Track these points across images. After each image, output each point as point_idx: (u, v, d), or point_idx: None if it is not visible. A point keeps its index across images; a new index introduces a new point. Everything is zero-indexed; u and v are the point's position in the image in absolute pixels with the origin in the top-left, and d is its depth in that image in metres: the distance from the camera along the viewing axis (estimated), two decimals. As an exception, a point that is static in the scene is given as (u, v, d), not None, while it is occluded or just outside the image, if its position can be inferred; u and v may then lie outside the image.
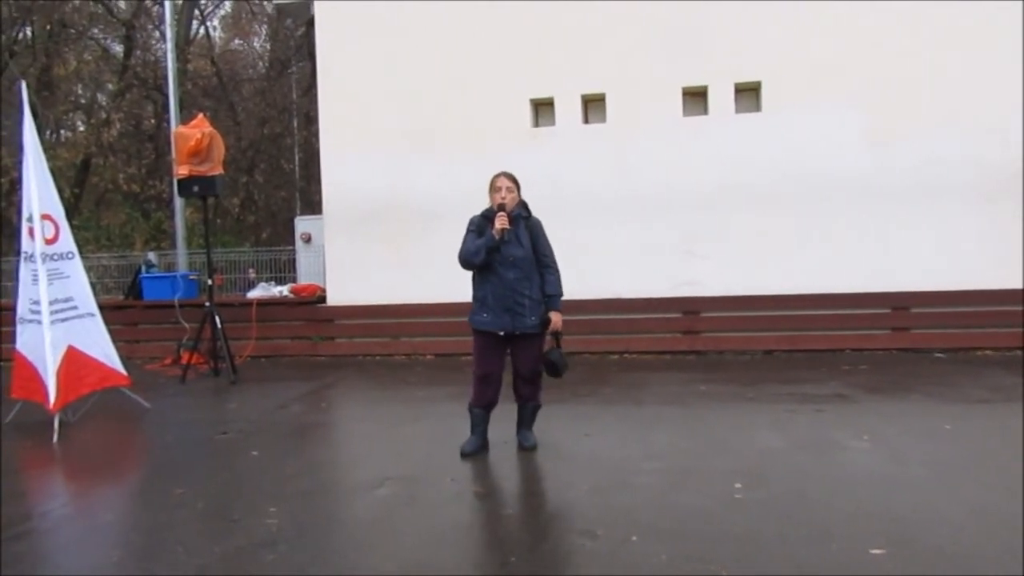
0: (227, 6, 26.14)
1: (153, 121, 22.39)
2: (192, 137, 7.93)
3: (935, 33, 8.26)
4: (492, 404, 4.90)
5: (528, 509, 4.05)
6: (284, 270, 14.81)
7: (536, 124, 9.29)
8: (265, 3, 23.52)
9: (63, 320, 6.21)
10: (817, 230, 8.50)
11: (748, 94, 8.80)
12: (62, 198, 6.90)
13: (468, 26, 9.22)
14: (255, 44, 28.14)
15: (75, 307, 6.36)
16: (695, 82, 8.80)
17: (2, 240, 16.98)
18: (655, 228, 8.80)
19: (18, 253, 6.72)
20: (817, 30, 8.47)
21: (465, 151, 9.07)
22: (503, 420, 5.01)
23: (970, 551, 3.16)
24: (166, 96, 14.22)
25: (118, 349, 6.73)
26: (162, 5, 14.90)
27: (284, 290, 10.44)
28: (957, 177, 8.22)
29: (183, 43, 19.93)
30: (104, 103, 21.35)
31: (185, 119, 11.42)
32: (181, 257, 13.07)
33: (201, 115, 8.52)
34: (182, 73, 17.80)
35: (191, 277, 10.72)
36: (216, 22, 26.94)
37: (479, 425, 4.91)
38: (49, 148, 14.48)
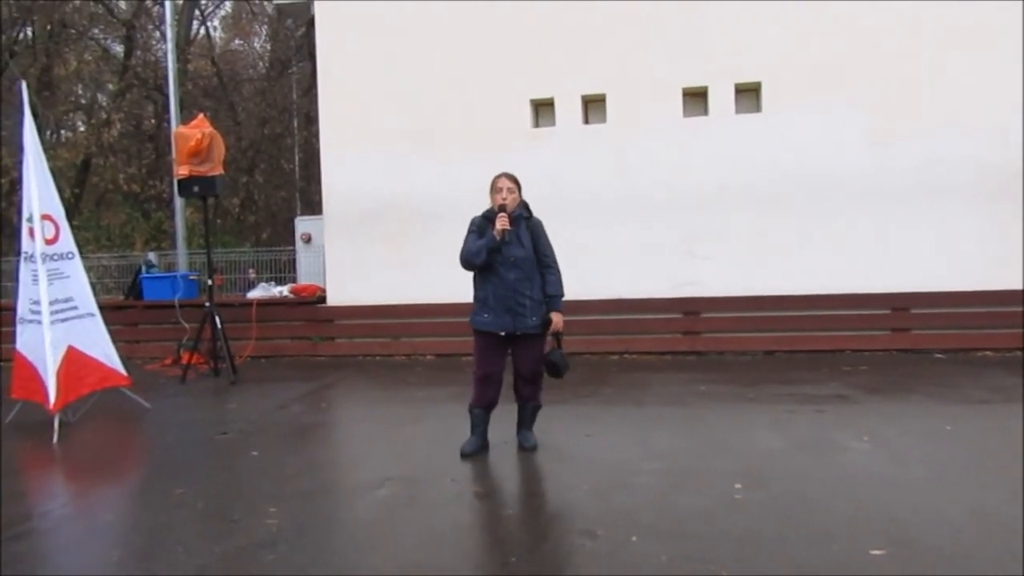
0: (227, 6, 26.17)
1: (153, 121, 22.40)
2: (192, 137, 7.93)
3: (935, 33, 8.26)
4: (492, 404, 4.90)
5: (528, 509, 4.05)
6: (284, 270, 14.80)
7: (536, 124, 9.29)
8: (265, 3, 23.53)
9: (63, 320, 6.21)
10: (817, 230, 8.50)
11: (748, 94, 8.80)
12: (62, 198, 6.90)
13: (468, 26, 9.22)
14: (255, 44, 28.15)
15: (75, 307, 6.36)
16: (695, 82, 8.80)
17: (2, 240, 16.98)
18: (655, 228, 8.80)
19: (18, 253, 6.72)
20: (817, 30, 8.47)
21: (465, 151, 9.07)
22: (503, 420, 5.01)
23: (970, 552, 3.16)
24: (166, 96, 14.23)
25: (118, 349, 6.73)
26: (162, 5, 14.89)
27: (284, 290, 10.44)
28: (957, 177, 8.22)
29: (183, 43, 19.94)
30: (104, 103, 21.35)
31: (185, 119, 11.42)
32: (181, 257, 13.07)
33: (201, 115, 8.52)
34: (182, 73, 17.80)
35: (191, 277, 10.72)
36: (216, 22, 26.97)
37: (479, 425, 4.91)
38: (49, 148, 14.49)
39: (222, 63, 24.09)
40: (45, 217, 6.29)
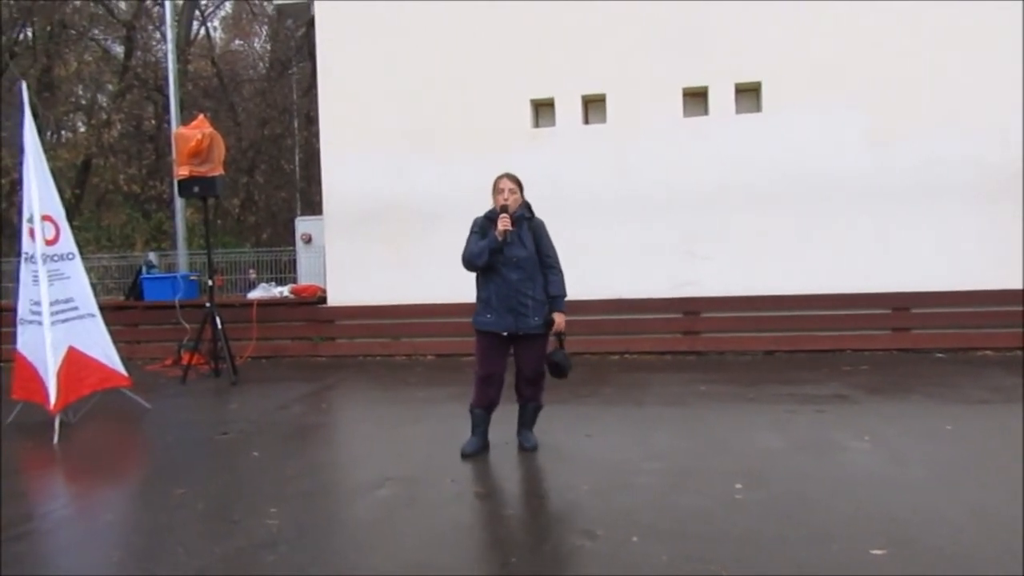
0: (227, 7, 26.18)
1: (153, 122, 22.41)
2: (192, 138, 7.93)
3: (935, 33, 8.26)
4: (493, 405, 4.90)
5: (529, 510, 4.05)
6: (284, 271, 14.81)
7: (536, 125, 9.29)
8: (265, 4, 23.54)
9: (64, 321, 6.21)
10: (817, 230, 8.50)
11: (748, 94, 8.80)
12: (63, 199, 6.90)
13: (468, 26, 9.22)
14: (255, 45, 28.17)
15: (76, 308, 6.36)
16: (695, 82, 8.80)
17: (3, 241, 16.98)
18: (655, 228, 8.80)
19: (19, 254, 6.72)
20: (817, 30, 8.47)
21: (465, 151, 9.07)
22: (504, 421, 5.01)
23: (970, 552, 3.16)
24: (167, 97, 14.22)
25: (119, 350, 6.73)
26: (163, 6, 14.89)
27: (284, 291, 10.45)
28: (957, 177, 8.22)
29: (183, 44, 19.95)
30: (105, 104, 21.36)
31: (185, 120, 11.43)
32: (182, 258, 13.07)
33: (201, 116, 8.52)
34: (182, 74, 17.81)
35: (192, 278, 10.73)
36: (216, 23, 26.99)
37: (480, 426, 4.91)
38: (50, 149, 14.48)
39: (222, 64, 24.10)
40: (45, 218, 6.29)
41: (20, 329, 6.32)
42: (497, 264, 4.67)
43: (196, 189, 8.12)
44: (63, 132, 22.23)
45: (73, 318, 6.31)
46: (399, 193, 9.38)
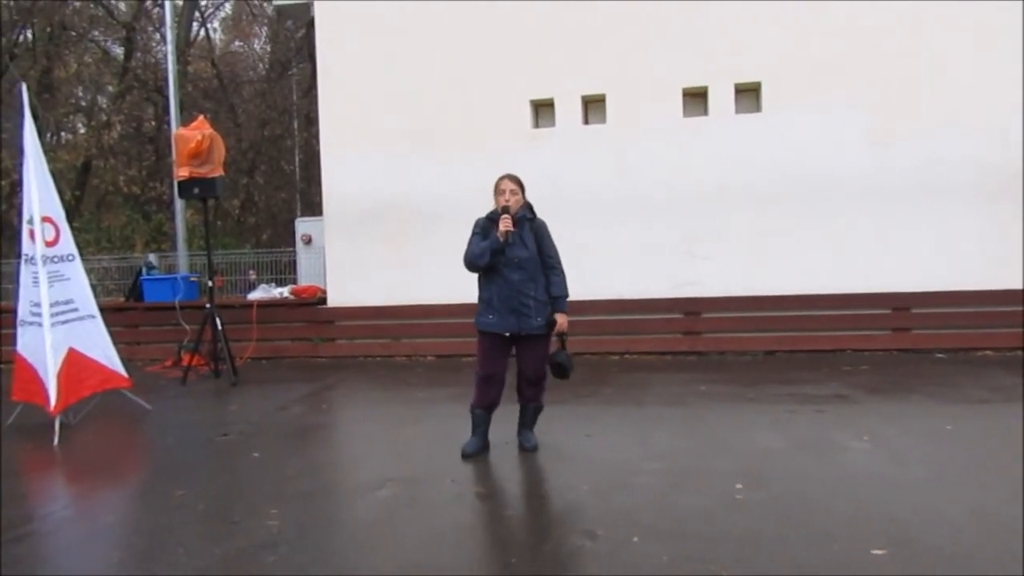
0: (227, 8, 26.19)
1: (153, 123, 22.42)
2: (192, 139, 7.93)
3: (935, 33, 8.26)
4: (494, 405, 4.90)
5: (529, 510, 4.05)
6: (284, 271, 14.84)
7: (536, 125, 9.29)
8: (265, 5, 23.55)
9: (64, 322, 6.21)
10: (817, 230, 8.50)
11: (748, 94, 8.80)
12: (63, 200, 6.90)
13: (468, 26, 9.23)
14: (255, 46, 28.18)
15: (76, 309, 6.36)
16: (695, 82, 8.80)
17: (3, 242, 16.99)
18: (655, 228, 8.80)
19: (19, 255, 6.72)
20: (817, 30, 8.47)
21: (465, 151, 9.08)
22: (504, 421, 5.01)
23: (971, 552, 3.16)
24: (166, 98, 14.23)
25: (119, 351, 6.73)
26: (162, 7, 14.91)
27: (284, 291, 10.45)
28: (957, 177, 8.22)
29: (183, 45, 19.96)
30: (104, 105, 21.38)
31: (185, 121, 11.43)
32: (182, 259, 13.08)
33: (201, 117, 8.52)
34: (182, 75, 17.82)
35: (192, 279, 10.73)
36: (216, 24, 27.01)
37: (480, 426, 4.92)
38: (50, 150, 14.50)
39: (222, 65, 24.11)
40: (45, 219, 6.29)
41: (20, 331, 6.32)
42: (499, 265, 4.67)
43: (196, 190, 8.12)
44: (63, 133, 22.26)
45: (73, 319, 6.31)
46: (399, 193, 9.38)
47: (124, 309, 10.33)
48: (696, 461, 4.60)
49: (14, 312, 6.72)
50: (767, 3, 8.52)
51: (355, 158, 9.49)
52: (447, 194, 9.01)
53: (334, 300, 9.72)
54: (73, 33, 19.44)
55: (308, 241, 13.90)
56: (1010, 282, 8.05)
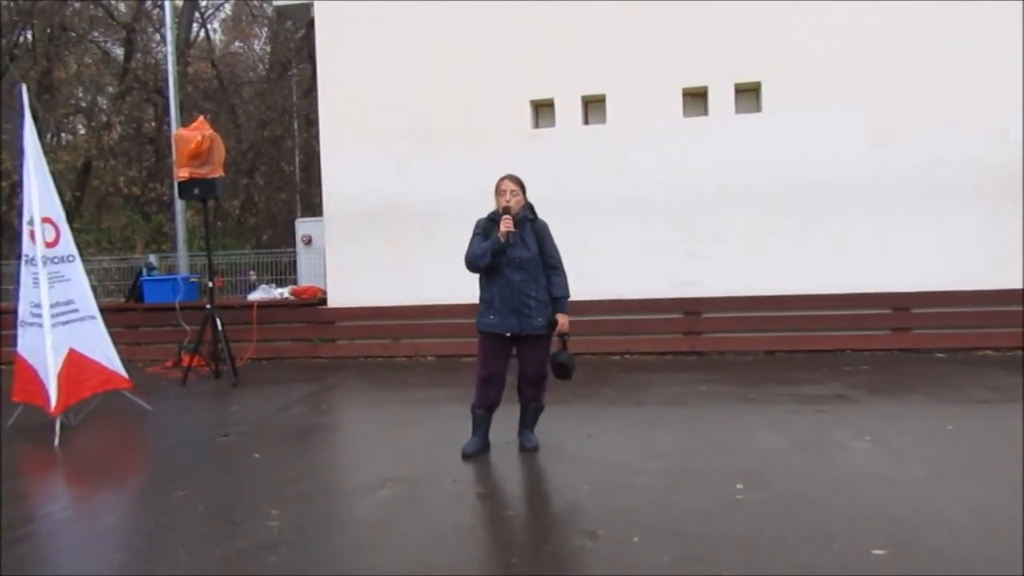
0: (227, 9, 26.19)
1: (153, 124, 22.42)
2: (192, 140, 7.93)
3: (935, 33, 8.26)
4: (495, 405, 4.90)
5: (530, 510, 4.05)
6: (285, 272, 14.84)
7: (536, 125, 9.29)
8: (265, 5, 23.55)
9: (64, 323, 6.21)
10: (817, 230, 8.51)
11: (748, 94, 8.80)
12: (63, 201, 6.90)
13: (468, 26, 9.23)
14: (255, 47, 28.18)
15: (76, 310, 6.36)
16: (695, 82, 8.80)
17: (3, 243, 16.99)
18: (655, 229, 8.80)
19: (19, 256, 6.72)
20: (817, 30, 8.48)
21: (465, 151, 9.08)
22: (504, 421, 5.01)
23: (971, 551, 3.16)
24: (166, 99, 14.23)
25: (119, 352, 6.73)
26: (162, 8, 14.91)
27: (285, 292, 10.46)
28: (957, 177, 8.22)
29: (183, 46, 19.96)
30: (105, 106, 21.38)
31: (185, 122, 11.43)
32: (182, 260, 13.08)
33: (201, 118, 8.52)
34: (182, 76, 17.82)
35: (192, 279, 10.74)
36: (216, 25, 27.01)
37: (481, 426, 4.92)
38: (50, 151, 14.50)
39: (222, 65, 24.12)
40: (46, 220, 6.29)
41: (20, 331, 6.32)
42: (500, 265, 4.68)
43: (196, 191, 8.12)
44: (63, 134, 22.26)
45: (73, 320, 6.31)
46: (399, 193, 9.39)
47: (124, 310, 10.33)
48: (697, 461, 4.60)
49: (14, 313, 6.72)
50: (767, 3, 8.52)
51: (355, 158, 9.50)
52: (447, 194, 9.01)
53: (334, 300, 9.72)
54: (73, 34, 19.45)
55: (308, 242, 13.91)
56: (1010, 282, 8.05)
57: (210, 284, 8.52)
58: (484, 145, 8.97)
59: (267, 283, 12.12)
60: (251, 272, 15.19)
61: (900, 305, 8.34)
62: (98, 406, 6.50)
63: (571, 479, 4.33)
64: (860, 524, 3.47)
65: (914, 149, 8.30)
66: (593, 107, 9.19)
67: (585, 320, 8.27)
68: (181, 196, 8.75)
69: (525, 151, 8.83)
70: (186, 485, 4.50)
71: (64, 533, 3.89)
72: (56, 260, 6.32)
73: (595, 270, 8.49)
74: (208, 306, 8.23)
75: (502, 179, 4.81)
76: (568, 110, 9.11)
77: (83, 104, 22.18)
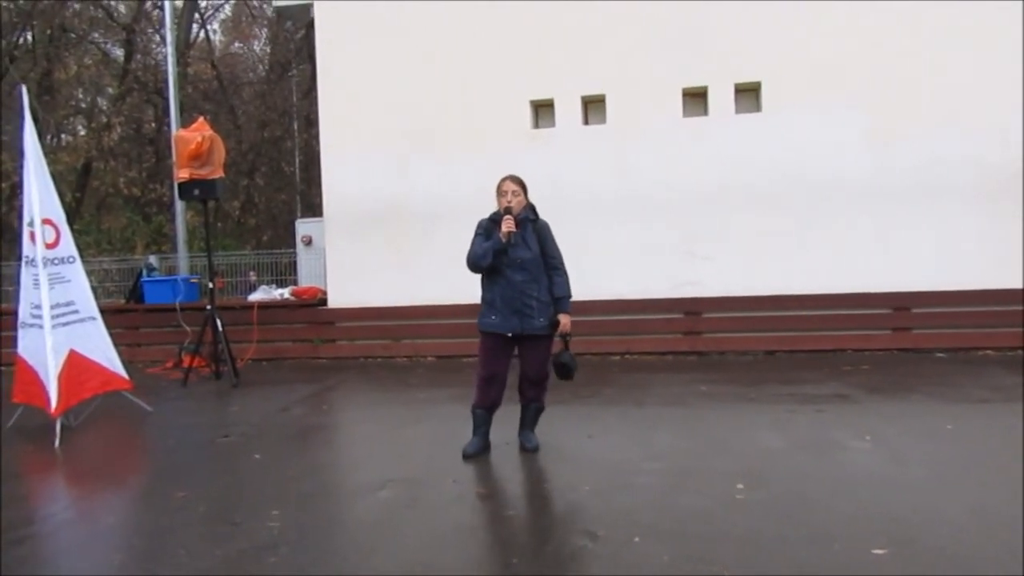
0: (227, 9, 26.19)
1: (154, 125, 22.40)
2: (192, 140, 7.94)
3: (935, 33, 8.27)
4: (495, 405, 4.90)
5: (530, 510, 4.05)
6: (285, 273, 14.83)
7: (536, 125, 9.30)
8: (265, 6, 23.55)
9: (64, 324, 6.21)
10: (817, 230, 8.51)
11: (748, 94, 8.81)
12: (63, 202, 6.90)
13: (468, 26, 9.23)
14: (255, 47, 28.16)
15: (76, 311, 6.36)
16: (695, 82, 8.80)
17: (3, 244, 16.99)
18: (655, 229, 8.80)
19: (19, 258, 6.72)
20: (817, 30, 8.48)
21: (465, 152, 9.09)
22: (505, 422, 5.02)
23: (971, 551, 3.16)
24: (166, 100, 14.23)
25: (120, 353, 6.74)
26: (162, 9, 14.90)
27: (285, 293, 10.46)
28: (957, 177, 8.22)
29: (183, 47, 19.94)
30: (105, 107, 21.36)
31: (185, 122, 11.43)
32: (182, 260, 13.08)
33: (201, 118, 8.53)
34: (182, 77, 17.81)
35: (192, 280, 10.75)
36: (216, 26, 26.99)
37: (481, 427, 4.92)
38: (50, 152, 14.50)
39: (222, 66, 24.10)
40: (46, 221, 6.29)
41: (21, 333, 6.32)
42: (501, 266, 4.69)
43: (196, 192, 8.13)
44: (63, 136, 22.25)
45: (74, 321, 6.31)
46: (399, 194, 9.39)
47: (125, 311, 10.34)
48: (697, 461, 4.61)
49: (15, 314, 6.72)
50: (767, 3, 8.53)
51: (355, 159, 9.50)
52: (447, 194, 9.02)
53: (334, 301, 9.72)
54: (73, 35, 19.44)
55: (308, 242, 13.90)
56: (1010, 282, 8.04)
57: (210, 285, 8.52)
58: (484, 145, 8.98)
59: (267, 284, 12.12)
60: (251, 273, 15.18)
61: (900, 305, 8.34)
62: (99, 407, 6.50)
63: (571, 479, 4.34)
64: (860, 524, 3.47)
65: (914, 149, 8.30)
66: (593, 107, 9.20)
67: (585, 320, 8.25)
68: (181, 197, 8.76)
69: (525, 151, 8.84)
70: (187, 486, 4.50)
71: (65, 534, 3.89)
72: (56, 261, 6.32)
73: (595, 270, 8.48)
74: (208, 307, 8.23)
75: (503, 180, 4.82)
76: (568, 110, 9.11)
77: (83, 105, 22.16)
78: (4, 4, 17.06)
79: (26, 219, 6.32)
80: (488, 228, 4.81)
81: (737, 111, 8.75)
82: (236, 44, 28.09)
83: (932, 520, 3.50)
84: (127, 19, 20.64)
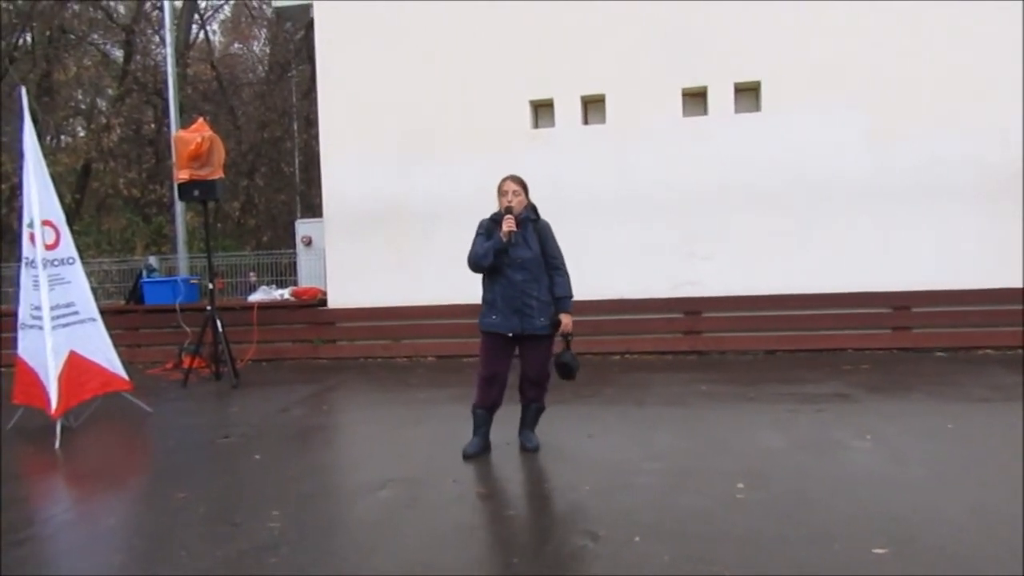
0: (226, 10, 26.19)
1: (153, 126, 22.39)
2: (192, 141, 7.94)
3: (935, 33, 8.27)
4: (496, 405, 4.90)
5: (531, 510, 4.05)
6: (285, 273, 14.82)
7: (536, 125, 9.30)
8: (264, 7, 23.54)
9: (64, 325, 6.21)
10: (818, 230, 8.51)
11: (748, 94, 8.81)
12: (63, 203, 6.90)
13: (468, 27, 9.23)
14: (255, 48, 28.16)
15: (76, 312, 6.36)
16: (695, 82, 8.80)
17: (3, 246, 16.99)
18: (655, 228, 8.80)
19: (19, 259, 6.72)
20: (817, 30, 8.48)
21: (465, 152, 9.09)
22: (505, 422, 5.01)
23: (971, 551, 3.16)
24: (166, 100, 14.23)
25: (120, 354, 6.74)
26: (161, 10, 14.91)
27: (285, 293, 10.46)
28: (957, 177, 8.22)
29: (183, 47, 19.93)
30: (104, 108, 21.35)
31: (185, 123, 11.42)
32: (182, 261, 13.08)
33: (201, 119, 8.53)
34: (182, 77, 17.80)
35: (192, 281, 10.75)
36: (215, 26, 26.97)
37: (482, 427, 4.92)
38: (49, 153, 14.48)
39: (221, 67, 24.09)
40: (46, 223, 6.29)
41: (21, 334, 6.32)
42: (502, 265, 4.69)
43: (196, 192, 8.13)
44: (63, 137, 22.24)
45: (74, 322, 6.31)
46: (399, 194, 9.39)
47: (125, 312, 10.34)
48: (697, 461, 4.61)
49: (15, 315, 6.72)
50: (767, 3, 8.53)
51: (355, 159, 9.50)
52: (447, 194, 9.02)
53: (334, 301, 9.72)
54: (72, 36, 19.43)
55: (308, 243, 13.89)
56: (1010, 281, 8.05)
57: (210, 286, 8.52)
58: (484, 145, 8.98)
59: (267, 284, 12.12)
60: (251, 273, 15.18)
61: (900, 304, 8.34)
62: (99, 408, 6.50)
63: (572, 479, 4.34)
64: (860, 523, 3.47)
65: (914, 149, 8.30)
66: (593, 107, 9.20)
67: (585, 320, 8.25)
68: (181, 198, 8.76)
69: (525, 151, 8.84)
70: (187, 487, 4.50)
71: (65, 535, 3.89)
72: (56, 262, 6.32)
73: (595, 270, 8.46)
74: (208, 308, 8.23)
75: (504, 180, 4.82)
76: (568, 110, 9.11)
77: (83, 106, 22.15)
78: (3, 5, 17.06)
79: (26, 220, 6.31)
80: (489, 228, 4.81)
81: (737, 111, 8.75)
82: (236, 45, 28.10)
83: (932, 519, 3.49)
84: (126, 20, 20.63)
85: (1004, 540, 3.23)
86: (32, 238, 6.19)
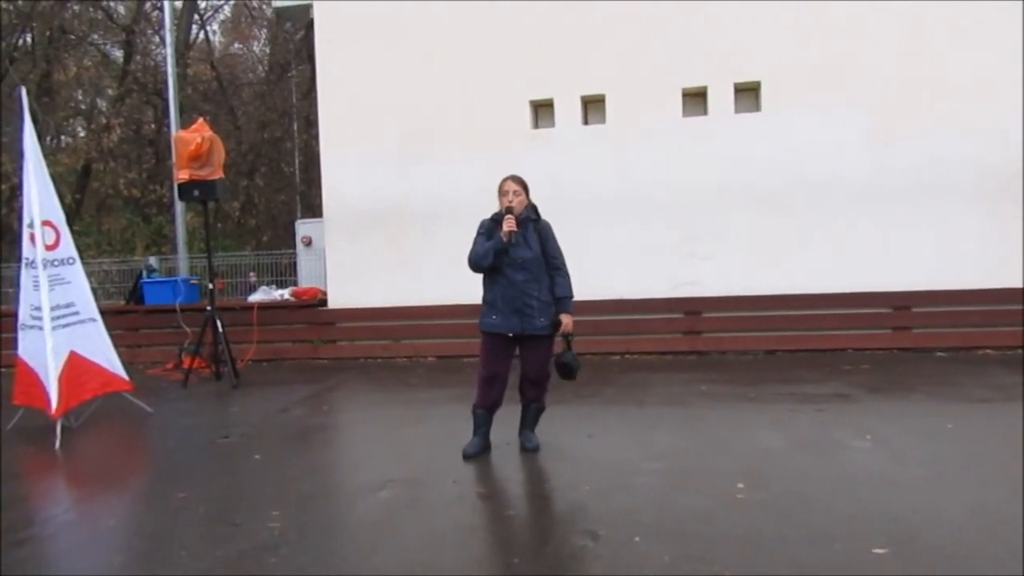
0: (226, 10, 26.19)
1: (153, 126, 22.39)
2: (192, 141, 7.94)
3: (935, 33, 8.27)
4: (496, 405, 4.90)
5: (531, 510, 4.05)
6: (285, 273, 14.82)
7: (536, 125, 9.30)
8: (264, 7, 23.55)
9: (64, 326, 6.21)
10: (818, 230, 8.51)
11: (748, 94, 8.81)
12: (63, 204, 6.91)
13: (468, 27, 9.24)
14: (255, 48, 28.16)
15: (76, 312, 6.36)
16: (695, 82, 8.80)
17: (3, 246, 16.99)
18: (655, 229, 8.80)
19: (19, 259, 6.72)
20: (817, 30, 8.48)
21: (465, 152, 9.09)
22: (505, 422, 5.01)
23: (971, 551, 3.16)
24: (166, 101, 14.22)
25: (120, 354, 6.74)
26: (162, 10, 14.91)
27: (285, 293, 10.46)
28: (957, 177, 8.22)
29: (183, 48, 19.93)
30: (104, 108, 21.35)
31: (185, 123, 11.42)
32: (182, 261, 13.08)
33: (201, 119, 8.53)
34: (182, 78, 17.81)
35: (192, 281, 10.75)
36: (215, 26, 26.98)
37: (482, 427, 4.92)
38: (49, 154, 14.48)
39: (221, 67, 24.09)
40: (46, 223, 6.29)
41: (21, 334, 6.32)
42: (503, 265, 4.69)
43: (196, 193, 8.13)
44: (63, 137, 22.25)
45: (74, 323, 6.32)
46: (399, 194, 9.39)
47: (125, 312, 10.35)
48: (697, 461, 4.61)
49: (15, 316, 6.72)
50: (767, 3, 8.53)
51: (355, 159, 9.50)
52: (447, 195, 9.02)
53: (335, 302, 9.72)
54: (72, 37, 19.43)
55: (308, 243, 13.89)
56: (1010, 281, 8.05)
57: (210, 286, 8.52)
58: (484, 145, 8.98)
59: (267, 284, 12.12)
60: (251, 274, 15.18)
61: (900, 304, 8.34)
62: (99, 408, 6.50)
63: (572, 479, 4.34)
64: (861, 523, 3.47)
65: (914, 149, 8.30)
66: (593, 107, 9.20)
67: (586, 320, 8.25)
68: (181, 198, 8.76)
69: (525, 151, 8.84)
70: (187, 487, 4.50)
71: (65, 535, 3.90)
72: (56, 263, 6.32)
73: (595, 270, 8.46)
74: (208, 308, 8.23)
75: (505, 180, 4.82)
76: (568, 110, 9.11)
77: (83, 107, 22.15)
78: (3, 6, 17.06)
79: (26, 221, 6.32)
80: (490, 228, 4.81)
81: (737, 111, 8.75)
82: (235, 45, 28.10)
83: (932, 520, 3.49)
84: (126, 20, 20.63)
85: (1004, 540, 3.23)
86: (32, 238, 6.19)
